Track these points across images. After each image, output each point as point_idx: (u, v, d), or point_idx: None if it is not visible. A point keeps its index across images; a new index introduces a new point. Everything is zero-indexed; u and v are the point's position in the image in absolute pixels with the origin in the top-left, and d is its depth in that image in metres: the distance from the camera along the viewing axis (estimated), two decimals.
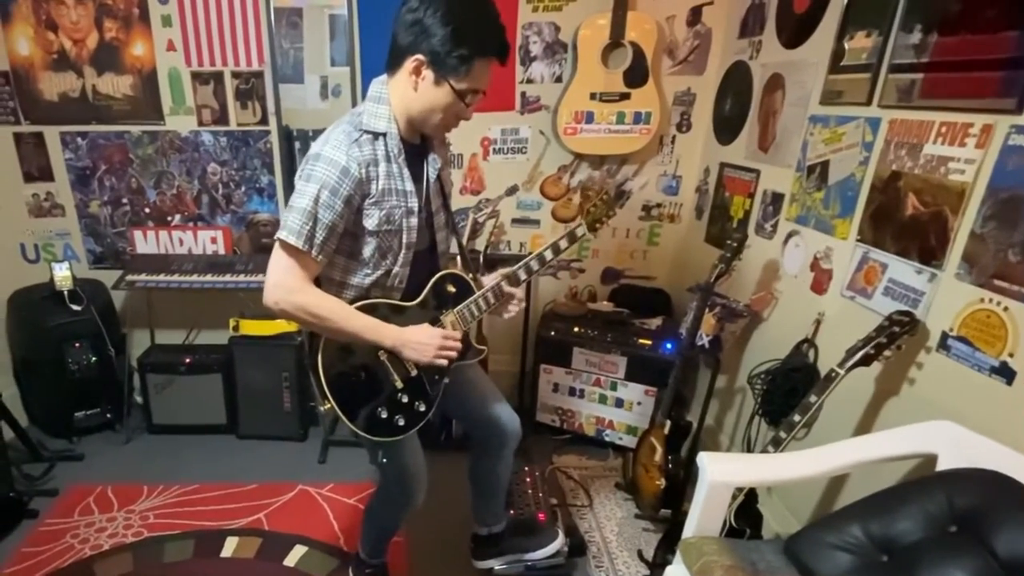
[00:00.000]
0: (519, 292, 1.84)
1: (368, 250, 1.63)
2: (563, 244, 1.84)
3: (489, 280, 1.83)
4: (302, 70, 3.12)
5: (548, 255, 1.83)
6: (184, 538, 2.54)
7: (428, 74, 1.51)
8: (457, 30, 1.44)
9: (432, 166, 1.72)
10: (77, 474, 2.94)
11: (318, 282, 1.65)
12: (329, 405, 1.66)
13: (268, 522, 2.63)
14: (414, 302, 1.74)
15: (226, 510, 2.70)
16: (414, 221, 1.65)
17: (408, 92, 1.55)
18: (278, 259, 1.56)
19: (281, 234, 1.53)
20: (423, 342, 1.66)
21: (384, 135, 1.58)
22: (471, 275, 1.85)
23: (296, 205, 1.51)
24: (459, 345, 1.73)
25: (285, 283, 1.55)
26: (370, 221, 1.59)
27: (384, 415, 1.71)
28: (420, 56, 1.49)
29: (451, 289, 1.80)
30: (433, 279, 1.76)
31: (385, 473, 1.96)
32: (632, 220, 3.35)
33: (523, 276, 1.83)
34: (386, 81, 1.60)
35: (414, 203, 1.64)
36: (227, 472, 2.96)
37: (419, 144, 1.70)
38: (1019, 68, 1.50)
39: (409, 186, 1.63)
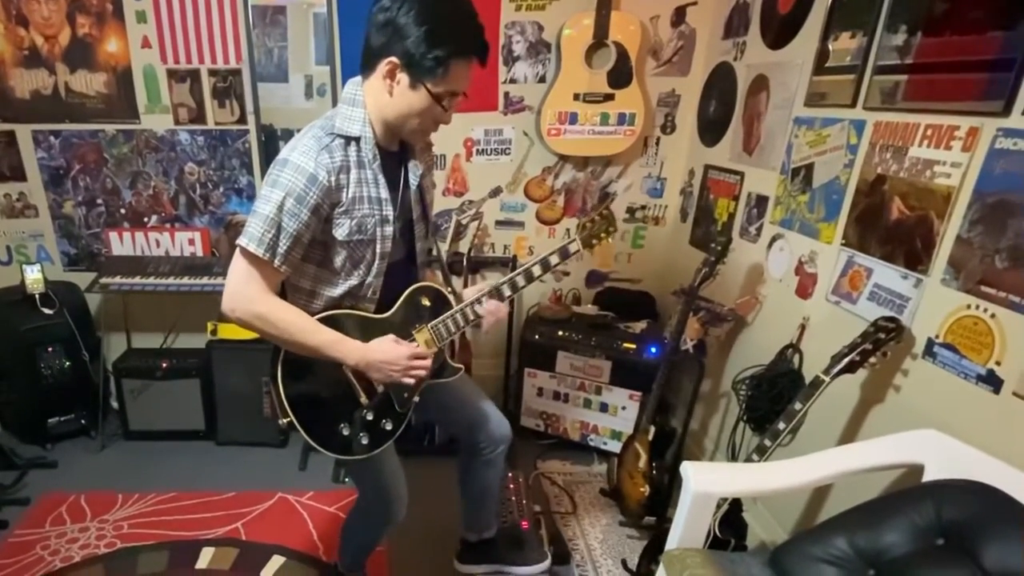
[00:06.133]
0: (504, 307, 1.73)
1: (339, 260, 1.56)
2: (553, 260, 1.73)
3: (469, 294, 1.74)
4: (287, 69, 3.06)
5: (536, 271, 1.72)
6: (158, 549, 2.47)
7: (403, 77, 1.42)
8: (432, 30, 1.35)
9: (412, 173, 1.63)
10: (50, 482, 2.87)
11: (285, 290, 1.58)
12: (288, 419, 1.60)
13: (245, 532, 2.57)
14: (385, 315, 1.65)
15: (203, 519, 2.64)
16: (389, 230, 1.57)
17: (382, 96, 1.46)
18: (238, 266, 1.49)
19: (242, 240, 1.45)
20: (388, 362, 1.57)
21: (358, 139, 1.50)
22: (449, 288, 1.76)
23: (259, 211, 1.44)
24: (428, 364, 1.63)
25: (243, 291, 1.49)
26: (340, 231, 1.51)
27: (347, 432, 1.64)
28: (394, 59, 1.40)
29: (426, 303, 1.71)
30: (407, 291, 1.68)
31: (363, 489, 1.90)
32: (616, 222, 3.31)
33: (508, 292, 1.72)
34: (361, 83, 1.50)
35: (389, 211, 1.55)
36: (205, 479, 2.90)
37: (397, 150, 1.61)
38: (1006, 69, 1.47)
39: (384, 193, 1.54)
